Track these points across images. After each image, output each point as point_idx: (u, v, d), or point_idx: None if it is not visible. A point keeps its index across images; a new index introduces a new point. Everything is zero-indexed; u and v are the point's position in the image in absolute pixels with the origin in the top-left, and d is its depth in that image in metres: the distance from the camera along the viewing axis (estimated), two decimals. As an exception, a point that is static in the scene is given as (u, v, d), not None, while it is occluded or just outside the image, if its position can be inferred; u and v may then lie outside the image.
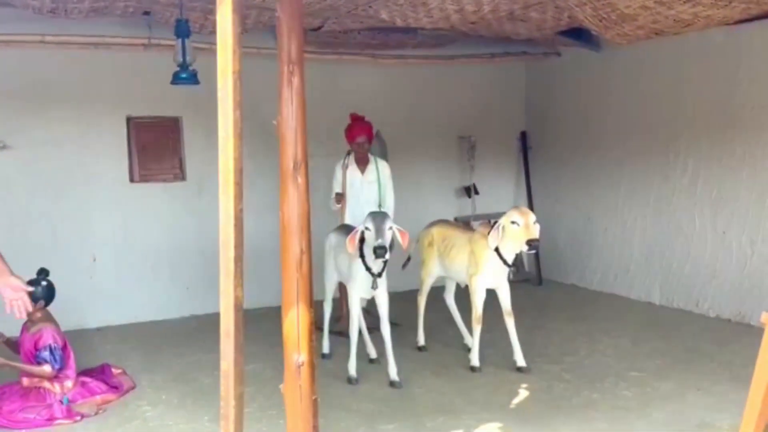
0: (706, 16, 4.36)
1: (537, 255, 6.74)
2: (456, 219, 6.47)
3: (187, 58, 4.51)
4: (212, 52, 2.26)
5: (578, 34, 6.17)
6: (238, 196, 2.16)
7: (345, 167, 5.22)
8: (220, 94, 2.12)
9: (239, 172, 2.16)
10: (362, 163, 5.24)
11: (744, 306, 5.30)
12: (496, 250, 4.18)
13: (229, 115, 2.11)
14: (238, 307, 2.20)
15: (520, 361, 4.33)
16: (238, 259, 2.18)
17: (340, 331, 4.95)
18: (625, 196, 6.38)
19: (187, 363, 4.63)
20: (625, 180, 6.37)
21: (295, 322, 2.47)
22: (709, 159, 5.58)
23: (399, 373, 4.15)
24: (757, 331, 4.97)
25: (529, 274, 7.01)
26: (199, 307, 5.85)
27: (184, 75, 4.55)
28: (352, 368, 4.20)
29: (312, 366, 2.51)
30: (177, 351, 4.93)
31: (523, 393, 3.99)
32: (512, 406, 3.83)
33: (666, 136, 5.92)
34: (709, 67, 5.55)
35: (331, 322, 4.76)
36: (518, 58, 6.95)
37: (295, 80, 2.35)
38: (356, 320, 4.22)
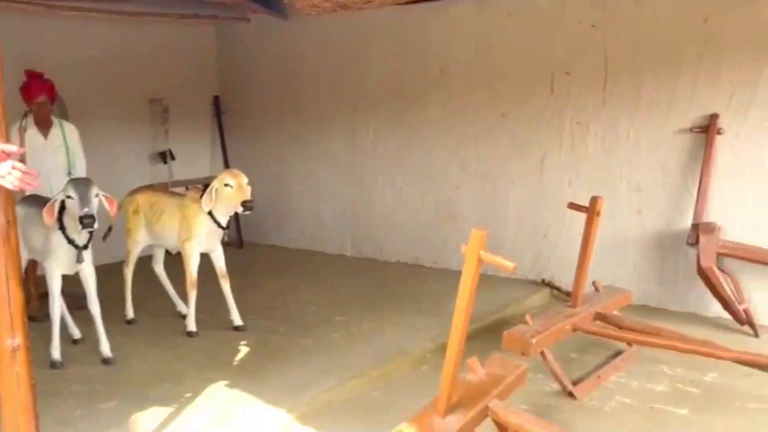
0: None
1: (237, 218, 6.89)
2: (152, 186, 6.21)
3: None
4: None
5: (267, 2, 6.37)
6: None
7: (23, 130, 4.61)
8: None
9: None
10: (45, 126, 4.69)
11: (418, 251, 6.22)
12: (210, 213, 4.20)
13: None
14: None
15: (237, 320, 4.46)
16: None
17: (31, 316, 4.42)
18: (317, 159, 6.87)
19: None
20: (316, 144, 6.85)
21: (7, 303, 2.24)
22: (387, 124, 6.33)
23: (112, 349, 3.93)
24: (428, 271, 5.95)
25: (230, 238, 7.11)
26: None
27: None
28: (56, 352, 3.84)
29: (28, 349, 2.31)
30: None
31: (243, 350, 4.14)
32: (235, 363, 3.95)
33: (351, 103, 6.52)
34: (383, 43, 6.26)
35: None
36: (208, 21, 6.87)
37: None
38: (57, 299, 3.85)
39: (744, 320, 4.37)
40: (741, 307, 4.37)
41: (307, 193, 7.00)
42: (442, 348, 3.98)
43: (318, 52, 6.68)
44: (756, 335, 4.30)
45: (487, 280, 5.50)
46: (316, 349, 4.09)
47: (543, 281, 5.40)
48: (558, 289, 5.22)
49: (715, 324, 4.50)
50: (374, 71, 6.32)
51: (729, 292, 4.38)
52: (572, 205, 3.93)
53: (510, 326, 3.62)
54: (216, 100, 7.39)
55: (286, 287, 5.55)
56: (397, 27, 6.12)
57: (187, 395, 3.44)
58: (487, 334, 4.19)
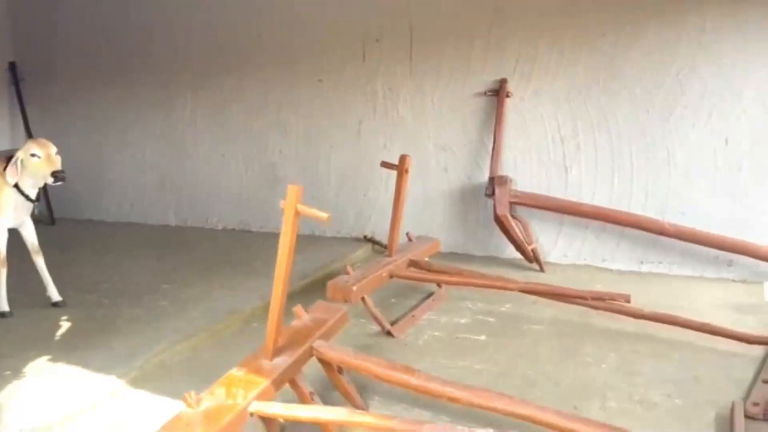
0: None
1: (46, 193, 6.48)
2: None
3: None
4: None
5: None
6: None
7: None
8: None
9: None
10: None
11: (245, 216, 6.32)
12: (16, 186, 3.98)
13: None
14: None
15: (55, 296, 4.29)
16: None
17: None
18: (133, 128, 6.65)
19: None
20: (132, 112, 6.61)
21: None
22: (206, 91, 6.29)
23: None
24: (256, 235, 6.10)
25: (39, 214, 6.66)
26: None
27: None
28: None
29: None
30: None
31: (65, 325, 4.02)
32: (57, 338, 3.84)
33: (167, 69, 6.37)
34: (198, 7, 6.17)
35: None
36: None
37: None
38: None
39: (532, 259, 5.07)
40: (530, 248, 5.06)
41: (125, 163, 6.76)
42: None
43: (127, 13, 6.41)
44: (542, 270, 5.01)
45: (315, 240, 5.82)
46: (145, 317, 4.10)
47: (365, 237, 5.79)
48: (378, 243, 5.63)
49: (510, 264, 5.17)
50: (190, 36, 6.23)
51: (520, 236, 5.05)
52: (384, 164, 4.28)
53: (334, 279, 3.91)
54: (12, 66, 6.80)
55: (107, 261, 5.39)
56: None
57: (6, 373, 3.31)
58: (314, 289, 4.45)
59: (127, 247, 5.88)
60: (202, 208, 6.49)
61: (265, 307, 4.18)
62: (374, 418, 2.34)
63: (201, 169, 6.45)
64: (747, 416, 2.82)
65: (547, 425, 2.39)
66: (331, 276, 4.83)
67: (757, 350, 3.46)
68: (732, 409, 2.85)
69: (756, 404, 2.89)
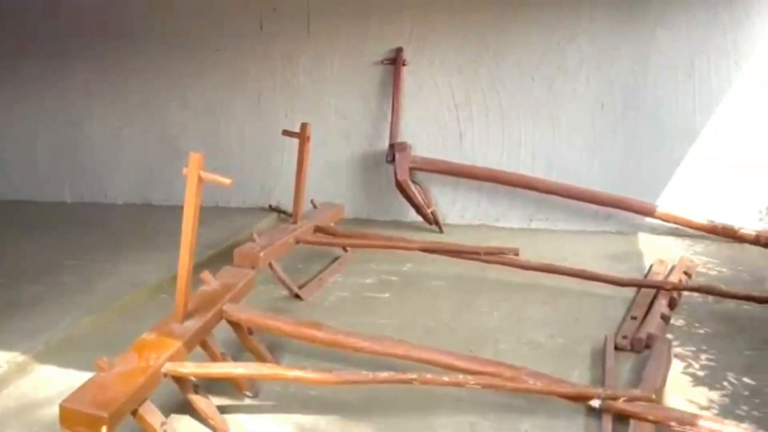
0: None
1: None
2: None
3: None
4: None
5: None
6: None
7: None
8: None
9: None
10: None
11: (146, 190, 6.22)
12: None
13: None
14: None
15: (-54, 278, 4.13)
16: None
17: None
18: (22, 102, 6.34)
19: None
20: (19, 86, 6.30)
21: None
22: (99, 63, 6.08)
23: None
24: (158, 209, 6.03)
25: None
26: None
27: None
28: None
29: None
30: None
31: (-41, 306, 3.90)
32: (-48, 320, 3.72)
33: (52, 39, 6.09)
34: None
35: None
36: None
37: None
38: None
39: (432, 221, 5.35)
40: (429, 211, 5.33)
41: (15, 138, 6.44)
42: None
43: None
44: (441, 231, 5.30)
45: (220, 212, 5.83)
46: (48, 294, 4.02)
47: (270, 207, 5.86)
48: (284, 212, 5.72)
49: (412, 227, 5.42)
50: (81, 3, 5.97)
51: (420, 200, 5.30)
52: (286, 132, 4.37)
53: (241, 247, 3.99)
54: None
55: (2, 241, 5.19)
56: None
57: None
58: (221, 260, 4.46)
59: (21, 225, 5.65)
60: (100, 183, 6.31)
61: (172, 279, 4.22)
62: (284, 370, 2.50)
63: (96, 142, 6.25)
64: (617, 348, 3.20)
65: (445, 366, 2.64)
66: (237, 246, 4.90)
67: (629, 292, 3.88)
68: (604, 343, 3.23)
69: (625, 337, 3.28)
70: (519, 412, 2.70)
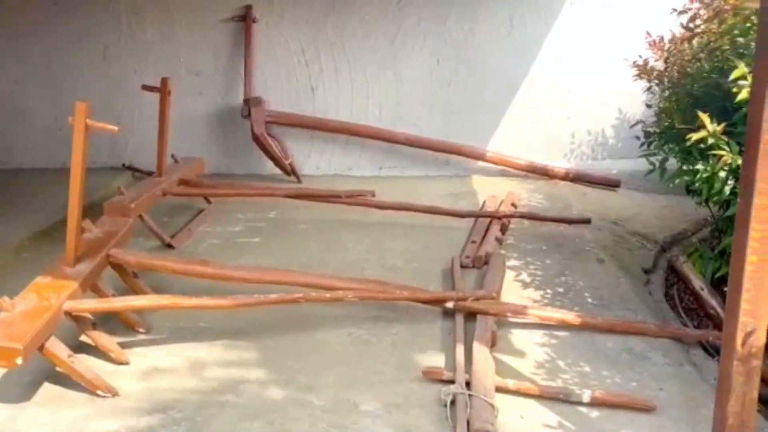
0: None
1: None
2: None
3: None
4: None
5: None
6: None
7: None
8: None
9: None
10: None
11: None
12: None
13: None
14: None
15: None
16: None
17: None
18: None
19: None
20: None
21: None
22: None
23: None
24: (4, 172, 5.69)
25: None
26: None
27: None
28: None
29: None
30: None
31: None
32: None
33: None
34: None
35: None
36: None
37: None
38: None
39: (290, 172, 5.65)
40: (287, 162, 5.62)
41: None
42: (39, 236, 4.23)
43: None
44: (299, 181, 5.62)
45: (69, 173, 5.64)
46: None
47: (123, 165, 5.80)
48: (138, 170, 5.69)
49: (271, 179, 5.66)
50: None
51: (277, 152, 5.57)
52: (145, 87, 4.42)
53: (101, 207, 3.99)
54: None
55: None
56: None
57: None
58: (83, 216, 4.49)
59: None
60: None
61: (34, 237, 4.20)
62: (182, 299, 2.74)
63: None
64: (462, 266, 3.80)
65: (327, 287, 3.03)
66: (94, 205, 4.88)
67: (468, 223, 4.51)
68: (452, 263, 3.81)
69: (467, 257, 3.88)
70: (388, 321, 3.18)
